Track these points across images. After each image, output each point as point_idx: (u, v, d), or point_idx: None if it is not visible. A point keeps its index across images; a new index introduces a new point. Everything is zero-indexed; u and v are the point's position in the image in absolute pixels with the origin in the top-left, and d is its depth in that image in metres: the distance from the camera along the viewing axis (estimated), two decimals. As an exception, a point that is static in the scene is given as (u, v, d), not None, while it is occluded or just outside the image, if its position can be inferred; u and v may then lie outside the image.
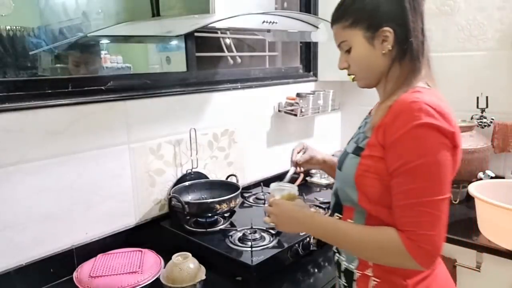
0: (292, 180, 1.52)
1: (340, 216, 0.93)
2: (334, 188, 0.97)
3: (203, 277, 1.13)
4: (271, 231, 1.31)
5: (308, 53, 2.18)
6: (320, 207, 1.55)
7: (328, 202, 1.25)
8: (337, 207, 0.94)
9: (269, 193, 1.63)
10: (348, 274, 0.93)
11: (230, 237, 1.29)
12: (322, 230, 0.91)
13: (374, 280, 0.88)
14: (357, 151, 0.88)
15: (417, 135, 0.76)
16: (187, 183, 1.51)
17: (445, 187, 0.78)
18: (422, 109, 0.76)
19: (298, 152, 1.22)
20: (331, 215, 0.96)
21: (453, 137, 0.77)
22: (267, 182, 1.77)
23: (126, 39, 1.60)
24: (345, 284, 0.94)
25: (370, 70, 0.90)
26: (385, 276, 0.86)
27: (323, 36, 1.60)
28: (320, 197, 1.72)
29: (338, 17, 0.90)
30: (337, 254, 0.98)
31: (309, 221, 0.93)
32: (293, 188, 1.08)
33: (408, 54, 0.85)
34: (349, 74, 0.95)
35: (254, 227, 1.32)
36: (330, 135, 2.35)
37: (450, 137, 0.77)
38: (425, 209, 0.76)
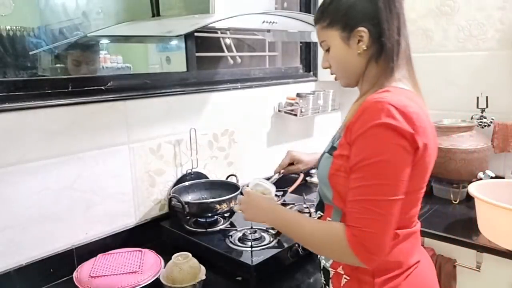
0: (292, 180, 1.52)
1: (322, 214, 0.95)
2: (318, 187, 0.98)
3: (203, 277, 1.13)
4: (271, 231, 1.31)
5: (308, 53, 2.18)
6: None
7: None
8: (319, 205, 0.96)
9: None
10: (325, 272, 0.95)
11: (230, 237, 1.29)
12: (281, 222, 0.94)
13: (345, 278, 0.89)
14: (331, 150, 0.89)
15: (374, 134, 0.77)
16: (187, 183, 1.51)
17: (397, 188, 0.77)
18: (383, 109, 0.77)
19: (285, 167, 1.29)
20: (315, 212, 0.99)
21: (413, 138, 0.77)
22: (267, 182, 1.77)
23: (126, 39, 1.60)
24: (324, 282, 0.96)
25: (347, 69, 0.92)
26: (354, 274, 0.87)
27: (323, 36, 1.60)
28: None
29: (318, 18, 0.93)
30: None
31: (271, 212, 0.97)
32: (271, 187, 1.12)
33: (383, 54, 0.86)
34: (331, 74, 0.98)
35: (254, 227, 1.32)
36: (330, 135, 2.33)
37: (410, 139, 0.77)
38: (372, 207, 0.76)
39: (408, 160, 0.78)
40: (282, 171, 1.29)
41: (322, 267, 0.97)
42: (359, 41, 0.87)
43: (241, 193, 1.09)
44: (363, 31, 0.86)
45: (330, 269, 0.93)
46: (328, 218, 0.92)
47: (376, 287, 0.84)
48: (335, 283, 0.91)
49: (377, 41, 0.86)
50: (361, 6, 0.86)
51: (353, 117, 0.82)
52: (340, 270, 0.90)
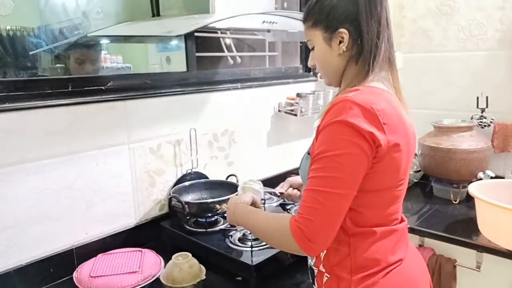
0: None
1: None
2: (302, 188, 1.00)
3: (203, 277, 1.13)
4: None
5: (308, 53, 2.17)
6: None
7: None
8: None
9: (269, 192, 1.65)
10: (311, 271, 0.96)
11: (230, 237, 1.29)
12: (241, 217, 1.00)
13: (326, 276, 0.89)
14: (309, 150, 0.91)
15: (333, 130, 0.79)
16: (187, 183, 1.51)
17: (347, 183, 0.79)
18: (345, 107, 0.79)
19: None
20: None
21: (372, 137, 0.78)
22: (267, 182, 1.77)
23: (126, 39, 1.60)
24: (311, 280, 0.98)
25: (328, 69, 0.95)
26: (333, 271, 0.88)
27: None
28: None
29: (304, 18, 0.95)
30: None
31: (234, 209, 1.02)
32: (255, 187, 1.17)
33: (362, 56, 0.88)
34: (316, 72, 1.00)
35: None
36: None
37: (369, 137, 0.78)
38: (319, 198, 0.78)
39: (363, 159, 0.79)
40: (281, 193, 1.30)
41: (309, 266, 0.98)
42: (340, 42, 0.89)
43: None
44: (344, 32, 0.87)
45: (314, 267, 0.94)
46: None
47: (353, 284, 0.85)
48: (319, 281, 0.92)
49: (357, 43, 0.88)
50: (343, 7, 0.87)
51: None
52: (321, 268, 0.90)
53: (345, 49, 0.88)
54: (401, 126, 0.85)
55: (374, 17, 0.86)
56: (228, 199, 1.34)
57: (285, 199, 1.36)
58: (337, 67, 0.92)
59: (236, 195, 1.19)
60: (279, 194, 1.30)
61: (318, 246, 0.80)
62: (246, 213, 0.99)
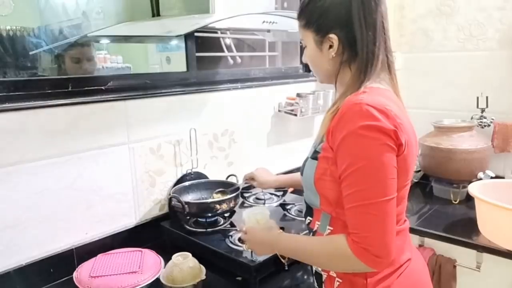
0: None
1: (311, 219, 0.94)
2: (304, 194, 0.98)
3: (203, 277, 1.13)
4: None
5: (308, 53, 2.18)
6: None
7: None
8: (308, 211, 0.96)
9: (269, 193, 1.65)
10: (318, 276, 0.95)
11: (230, 237, 1.29)
12: (287, 249, 0.95)
13: (338, 281, 0.89)
14: (315, 154, 0.89)
15: (358, 137, 0.77)
16: (187, 183, 1.51)
17: (388, 188, 0.77)
18: (361, 111, 0.77)
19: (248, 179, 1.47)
20: (305, 219, 0.99)
21: (396, 135, 0.77)
22: (267, 182, 1.77)
23: (126, 39, 1.60)
24: (316, 286, 0.97)
25: (319, 70, 0.94)
26: (346, 276, 0.87)
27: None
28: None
29: (298, 15, 0.93)
30: None
31: (275, 243, 0.97)
32: (264, 211, 1.12)
33: (357, 61, 0.86)
34: (310, 69, 0.99)
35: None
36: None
37: (393, 136, 0.77)
38: (368, 211, 0.77)
39: (394, 158, 0.78)
40: (245, 180, 1.48)
41: (314, 271, 0.97)
42: (330, 46, 0.87)
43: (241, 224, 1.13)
44: (334, 38, 0.85)
45: (322, 273, 0.93)
46: (317, 222, 0.92)
47: None
48: (328, 286, 0.91)
49: (349, 48, 0.86)
50: (335, 12, 0.85)
51: (332, 121, 0.82)
52: (332, 273, 0.90)
53: (334, 55, 0.87)
54: (409, 125, 0.85)
55: (368, 23, 0.83)
56: (229, 198, 1.36)
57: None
58: (329, 69, 0.91)
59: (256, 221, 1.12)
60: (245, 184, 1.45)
61: (386, 258, 0.78)
62: (292, 243, 0.95)
